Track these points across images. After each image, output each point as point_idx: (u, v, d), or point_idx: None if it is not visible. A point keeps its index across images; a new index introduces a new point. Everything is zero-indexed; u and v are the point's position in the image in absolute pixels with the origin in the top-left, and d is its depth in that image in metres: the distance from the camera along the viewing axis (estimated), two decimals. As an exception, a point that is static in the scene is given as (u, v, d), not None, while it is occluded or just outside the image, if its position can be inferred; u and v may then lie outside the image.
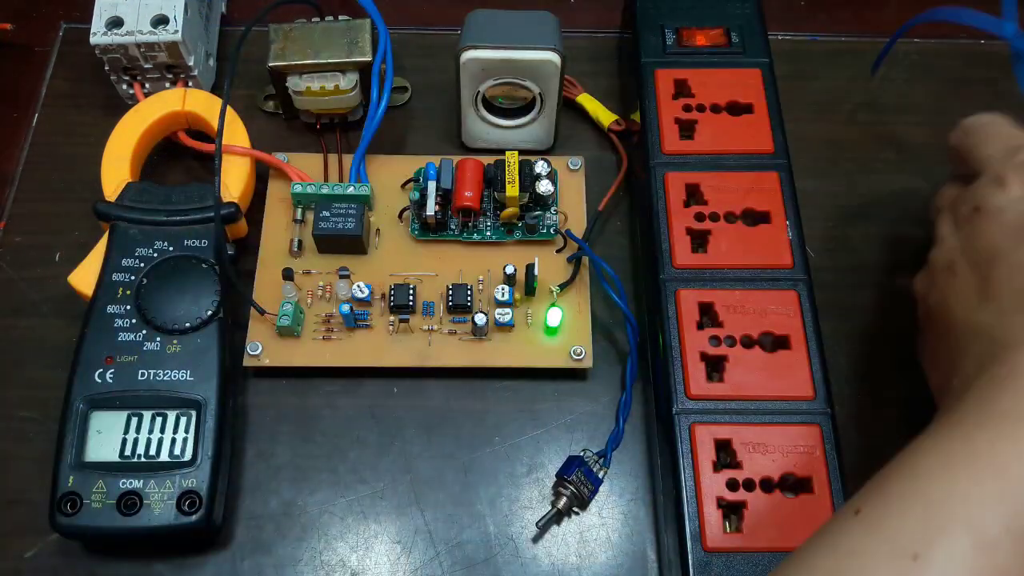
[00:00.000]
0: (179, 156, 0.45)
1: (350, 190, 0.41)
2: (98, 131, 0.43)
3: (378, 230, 0.42)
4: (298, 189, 0.41)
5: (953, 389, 0.31)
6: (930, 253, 0.36)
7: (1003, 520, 0.25)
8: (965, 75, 0.48)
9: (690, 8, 0.44)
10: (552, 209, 0.42)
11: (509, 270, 0.40)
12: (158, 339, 0.37)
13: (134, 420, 0.36)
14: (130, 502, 0.34)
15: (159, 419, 0.36)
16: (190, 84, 0.45)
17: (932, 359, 0.35)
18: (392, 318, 0.40)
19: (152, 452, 0.36)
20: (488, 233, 0.42)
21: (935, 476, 0.26)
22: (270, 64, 0.42)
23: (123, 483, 0.35)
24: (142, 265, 0.38)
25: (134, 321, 0.37)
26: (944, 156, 0.46)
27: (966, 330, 0.32)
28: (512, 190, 0.40)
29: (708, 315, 0.37)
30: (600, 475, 0.38)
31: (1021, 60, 0.38)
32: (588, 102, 0.46)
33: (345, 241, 0.41)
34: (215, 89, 0.47)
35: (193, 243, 0.39)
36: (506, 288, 0.40)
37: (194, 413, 0.36)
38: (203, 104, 0.42)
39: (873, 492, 0.27)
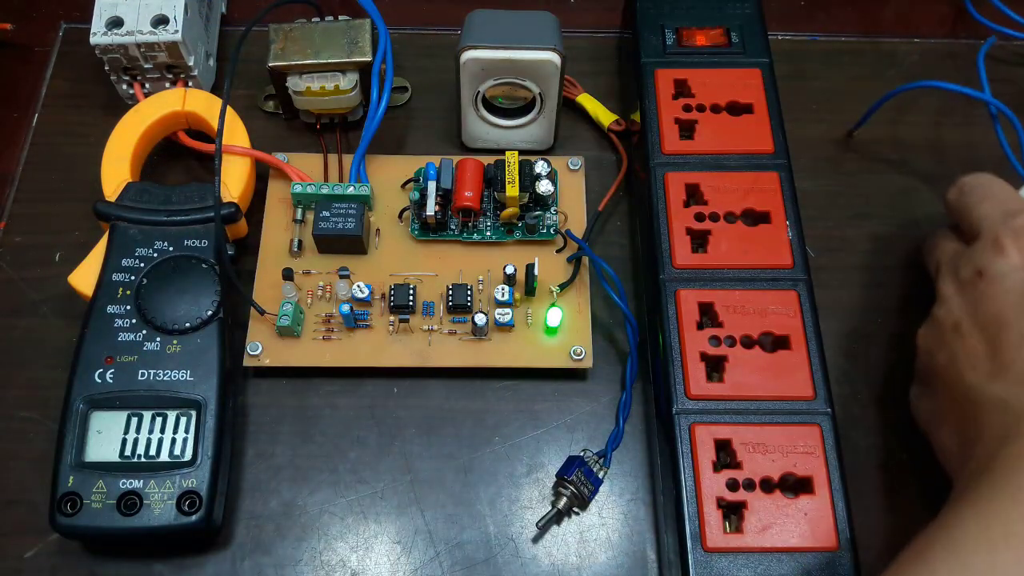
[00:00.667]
0: (179, 156, 0.45)
1: (350, 190, 0.41)
2: (98, 131, 0.43)
3: (378, 230, 0.42)
4: (298, 189, 0.41)
5: (976, 458, 0.31)
6: (934, 310, 0.36)
7: None
8: (965, 75, 0.48)
9: (690, 8, 0.44)
10: (552, 209, 0.42)
11: (509, 270, 0.40)
12: (158, 339, 0.37)
13: (134, 420, 0.36)
14: (130, 502, 0.34)
15: (159, 419, 0.36)
16: (190, 84, 0.45)
17: (939, 419, 0.35)
18: (392, 318, 0.40)
19: (152, 452, 0.36)
20: (488, 233, 0.42)
21: (977, 550, 0.27)
22: (270, 64, 0.42)
23: (123, 483, 0.35)
24: (142, 265, 0.38)
25: (134, 321, 0.37)
26: (942, 158, 0.46)
27: (982, 400, 0.32)
28: (512, 190, 0.40)
29: (708, 315, 0.37)
30: (600, 475, 0.38)
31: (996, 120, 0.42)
32: (588, 102, 0.46)
33: (345, 241, 0.41)
34: (215, 89, 0.47)
35: (193, 243, 0.39)
36: (506, 288, 0.40)
37: (194, 413, 0.36)
38: (203, 104, 0.42)
39: (915, 563, 0.28)
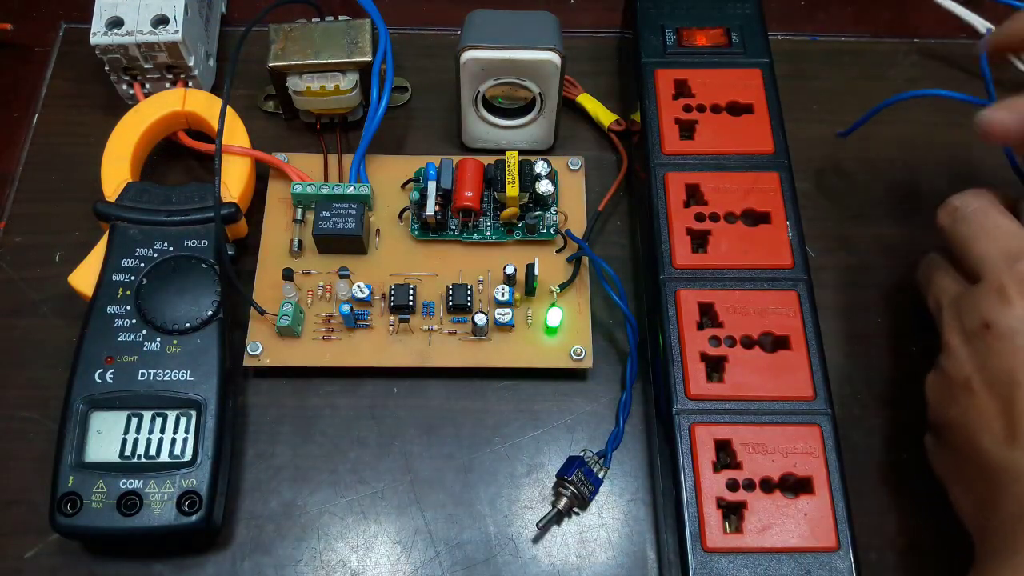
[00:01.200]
0: (179, 156, 0.45)
1: (350, 190, 0.41)
2: (98, 131, 0.43)
3: (378, 230, 0.42)
4: (298, 189, 0.41)
5: (995, 529, 0.30)
6: (941, 360, 0.35)
7: None
8: (966, 74, 0.49)
9: (690, 8, 0.44)
10: (552, 209, 0.42)
11: (509, 270, 0.40)
12: (158, 339, 0.37)
13: (134, 420, 0.36)
14: (130, 502, 0.34)
15: (159, 419, 0.36)
16: (190, 84, 0.45)
17: (955, 474, 0.34)
18: (392, 318, 0.40)
19: (152, 452, 0.36)
20: (488, 233, 0.42)
21: None
22: (270, 64, 0.42)
23: (123, 483, 0.35)
24: (142, 265, 0.38)
25: (134, 321, 0.37)
26: (942, 156, 0.46)
27: (998, 467, 0.31)
28: (512, 190, 0.40)
29: (708, 315, 0.37)
30: (600, 475, 0.38)
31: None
32: (588, 102, 0.46)
33: (345, 241, 0.41)
34: (215, 89, 0.47)
35: (193, 243, 0.39)
36: (506, 288, 0.40)
37: (194, 413, 0.36)
38: (203, 104, 0.42)
39: None
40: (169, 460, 0.35)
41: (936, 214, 0.37)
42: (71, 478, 0.35)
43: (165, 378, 0.37)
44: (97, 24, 0.42)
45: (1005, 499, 0.30)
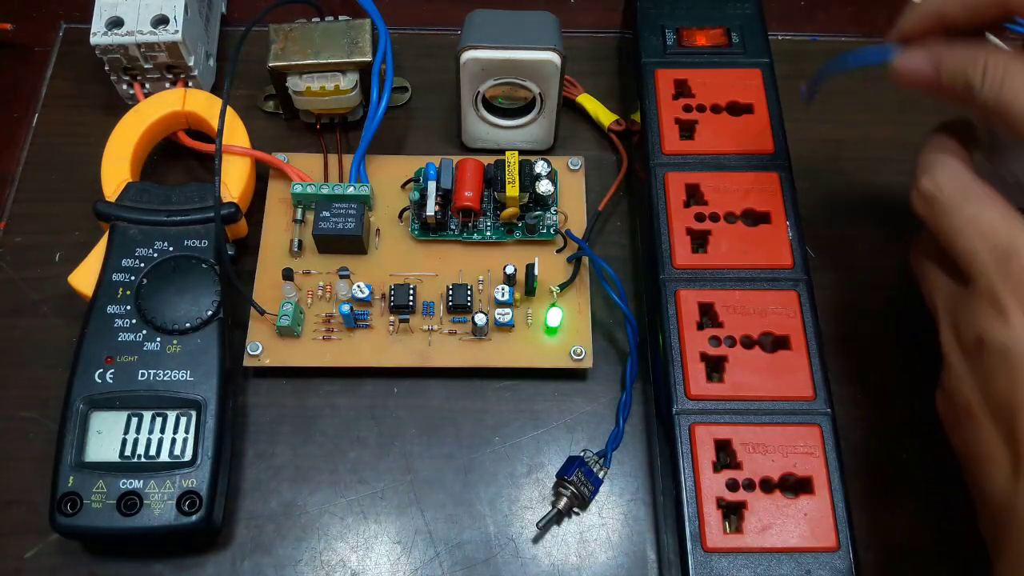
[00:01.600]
0: (179, 156, 0.45)
1: (350, 190, 0.41)
2: (98, 131, 0.43)
3: (378, 230, 0.42)
4: (298, 189, 0.41)
5: (1003, 572, 0.28)
6: (943, 377, 0.32)
7: None
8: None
9: (690, 8, 0.44)
10: (552, 209, 0.42)
11: (509, 270, 0.40)
12: (158, 339, 0.37)
13: (134, 420, 0.36)
14: (130, 502, 0.34)
15: (159, 419, 0.36)
16: (190, 84, 0.45)
17: (975, 486, 0.31)
18: (392, 318, 0.40)
19: (152, 452, 0.36)
20: (488, 233, 0.42)
21: None
22: (270, 64, 0.42)
23: (123, 483, 0.35)
24: (142, 265, 0.38)
25: (134, 321, 0.37)
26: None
27: (1005, 507, 0.28)
28: (512, 190, 0.40)
29: (708, 315, 0.37)
30: (600, 475, 0.38)
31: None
32: (588, 102, 0.46)
33: (345, 241, 0.41)
34: (215, 89, 0.47)
35: (193, 243, 0.39)
36: (506, 288, 0.40)
37: (194, 413, 0.36)
38: (203, 104, 0.42)
39: None
40: (169, 460, 0.35)
41: (910, 199, 0.33)
42: (71, 478, 0.35)
43: (165, 378, 0.37)
44: (97, 24, 0.42)
45: (1012, 545, 0.27)
